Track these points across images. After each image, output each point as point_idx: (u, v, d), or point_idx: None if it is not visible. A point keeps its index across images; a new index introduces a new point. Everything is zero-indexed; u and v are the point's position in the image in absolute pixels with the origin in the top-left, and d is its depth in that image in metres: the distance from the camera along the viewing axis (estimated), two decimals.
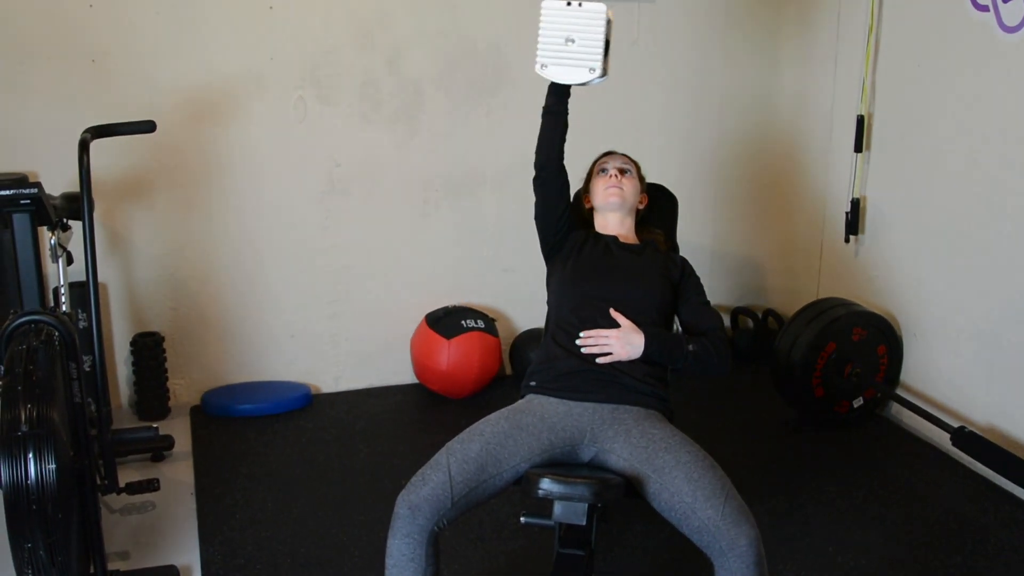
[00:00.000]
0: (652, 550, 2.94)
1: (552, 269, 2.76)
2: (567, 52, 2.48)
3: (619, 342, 2.47)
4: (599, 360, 2.47)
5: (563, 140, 2.70)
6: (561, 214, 2.75)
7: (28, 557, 2.14)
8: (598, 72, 2.49)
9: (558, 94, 2.64)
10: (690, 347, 2.50)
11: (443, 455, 2.28)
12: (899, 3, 3.76)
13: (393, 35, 3.91)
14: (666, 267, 2.68)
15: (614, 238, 2.76)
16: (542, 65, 2.51)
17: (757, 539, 2.14)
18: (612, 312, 2.53)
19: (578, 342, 2.50)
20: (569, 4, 2.47)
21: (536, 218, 2.78)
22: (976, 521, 3.13)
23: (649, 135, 4.28)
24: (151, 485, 3.05)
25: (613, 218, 2.78)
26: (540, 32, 2.49)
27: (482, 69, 4.05)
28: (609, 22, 2.53)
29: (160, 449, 3.52)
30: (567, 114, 2.68)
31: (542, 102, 4.08)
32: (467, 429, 2.36)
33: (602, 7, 2.47)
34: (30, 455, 2.11)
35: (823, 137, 4.27)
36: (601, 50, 2.47)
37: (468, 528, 3.02)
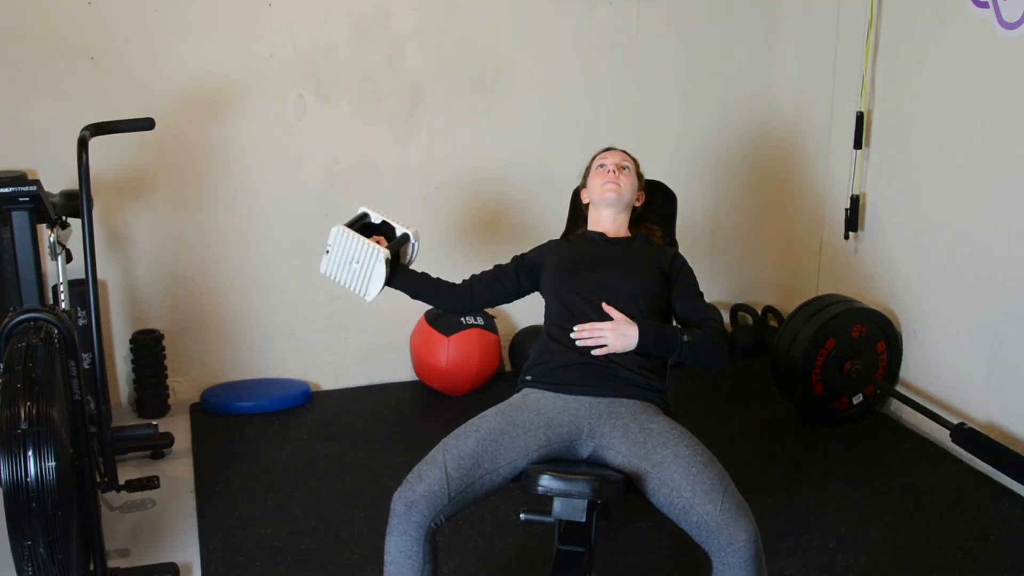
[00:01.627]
0: (652, 546, 2.94)
1: (541, 279, 2.76)
2: (361, 271, 2.68)
3: (614, 334, 2.47)
4: (594, 352, 2.47)
5: (445, 290, 2.80)
6: (511, 287, 2.80)
7: (28, 555, 2.14)
8: (384, 254, 2.64)
9: (400, 284, 2.76)
10: (685, 338, 2.50)
11: (439, 451, 2.28)
12: None
13: (392, 33, 3.91)
14: (655, 258, 2.68)
15: (601, 234, 2.76)
16: (364, 294, 2.70)
17: (755, 534, 2.14)
18: (604, 306, 2.53)
19: (572, 335, 2.50)
20: (327, 252, 2.72)
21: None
22: (976, 517, 3.13)
23: (648, 131, 4.28)
24: (151, 482, 3.05)
25: (607, 214, 2.79)
26: (343, 284, 2.72)
27: (481, 67, 4.05)
28: (359, 217, 2.78)
29: (160, 446, 3.52)
30: (425, 281, 2.79)
31: (541, 99, 4.13)
32: (463, 425, 2.36)
33: (333, 230, 2.69)
34: (30, 453, 2.11)
35: (822, 134, 4.27)
36: (369, 247, 2.65)
37: (468, 525, 3.02)
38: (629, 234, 2.81)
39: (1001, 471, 3.25)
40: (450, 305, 2.82)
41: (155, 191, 3.80)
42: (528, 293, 2.82)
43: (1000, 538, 3.01)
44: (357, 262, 2.67)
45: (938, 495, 3.28)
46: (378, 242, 2.70)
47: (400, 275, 2.73)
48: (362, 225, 2.78)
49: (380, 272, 2.65)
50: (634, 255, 2.68)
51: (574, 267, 2.65)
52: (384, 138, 4.00)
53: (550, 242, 2.86)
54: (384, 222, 2.80)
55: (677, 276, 2.68)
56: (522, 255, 2.83)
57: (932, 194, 3.65)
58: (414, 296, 2.78)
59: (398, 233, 2.78)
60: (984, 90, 3.37)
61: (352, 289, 2.71)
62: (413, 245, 2.80)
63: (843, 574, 2.81)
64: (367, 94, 3.94)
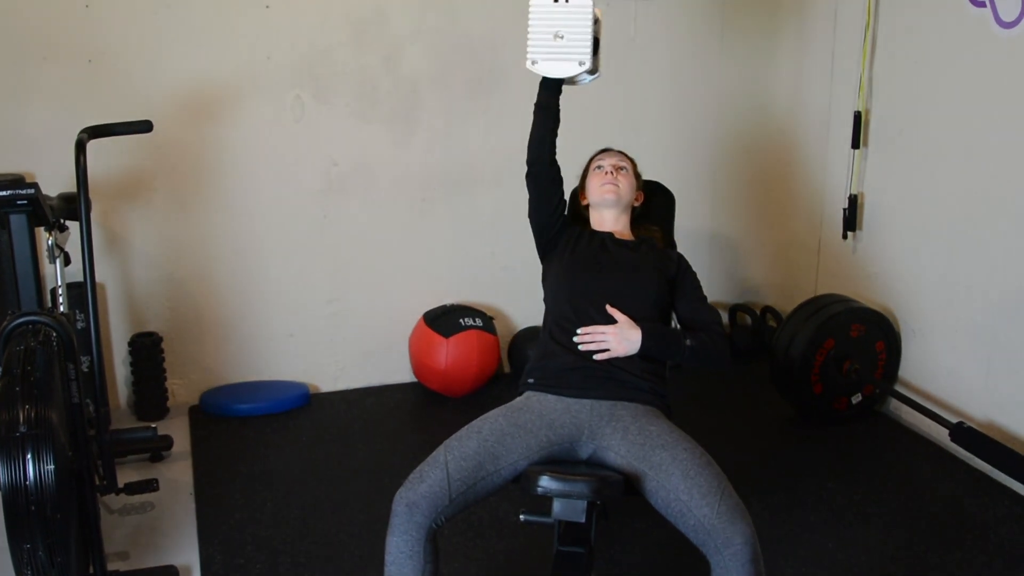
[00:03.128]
0: (651, 547, 2.94)
1: (547, 266, 2.76)
2: (556, 47, 2.51)
3: (616, 338, 2.47)
4: (596, 356, 2.47)
5: (555, 136, 2.71)
6: (554, 209, 2.75)
7: (27, 558, 2.14)
8: (587, 65, 2.52)
9: (549, 89, 2.66)
10: (688, 342, 2.50)
11: (441, 452, 2.28)
12: None
13: (390, 34, 3.91)
14: (662, 263, 2.68)
15: (609, 235, 2.76)
16: (532, 61, 2.55)
17: (752, 537, 2.14)
18: (608, 308, 2.53)
19: (575, 339, 2.50)
20: (556, 0, 2.51)
21: (530, 215, 2.78)
22: (975, 517, 3.14)
23: (646, 132, 4.28)
24: (150, 485, 3.05)
25: (608, 215, 2.78)
26: (529, 28, 2.54)
27: (479, 67, 4.05)
28: (597, 20, 2.57)
29: (159, 449, 3.52)
30: (558, 110, 2.69)
31: None
32: (465, 427, 2.36)
33: (588, 3, 2.51)
34: (29, 456, 2.11)
35: (820, 133, 4.27)
36: (590, 43, 2.51)
37: (468, 526, 3.02)
38: (633, 236, 2.81)
39: (1000, 470, 3.25)
40: (540, 145, 2.70)
41: (153, 194, 3.80)
42: (547, 233, 2.76)
43: (999, 537, 3.01)
44: (563, 39, 2.50)
45: (937, 494, 3.29)
46: None
47: (556, 85, 2.63)
48: None
49: (568, 70, 2.51)
50: (641, 259, 2.68)
51: (581, 269, 2.65)
52: (382, 139, 4.00)
53: (572, 229, 2.81)
54: (597, 41, 2.59)
55: (681, 279, 2.69)
56: (567, 215, 2.80)
57: (930, 193, 3.66)
58: (539, 106, 2.67)
59: (595, 62, 2.59)
60: (982, 89, 3.37)
61: (530, 45, 2.53)
62: (589, 80, 2.63)
63: (842, 574, 2.81)
64: (365, 95, 3.94)
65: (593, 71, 2.58)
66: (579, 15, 2.50)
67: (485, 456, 2.27)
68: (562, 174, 2.76)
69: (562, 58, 2.52)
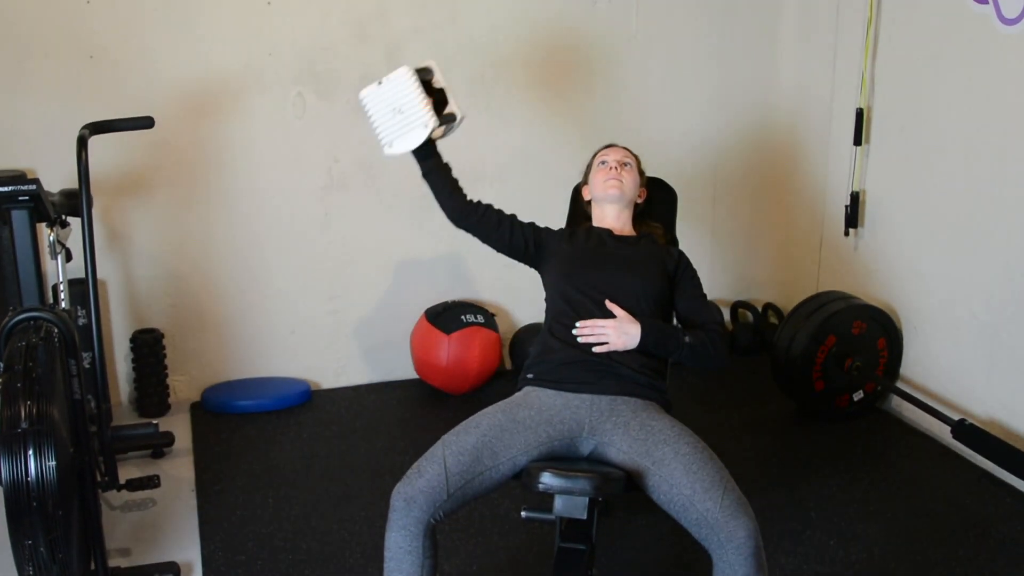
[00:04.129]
0: (653, 544, 2.94)
1: (544, 269, 2.75)
2: (400, 122, 2.58)
3: (615, 331, 2.47)
4: (596, 349, 2.47)
5: (458, 190, 2.73)
6: (512, 239, 2.74)
7: (29, 554, 2.14)
8: (431, 124, 2.55)
9: (423, 158, 2.68)
10: (687, 339, 2.50)
11: (439, 447, 2.28)
12: None
13: (391, 29, 3.90)
14: (661, 258, 2.68)
15: (608, 231, 2.76)
16: (389, 145, 2.60)
17: (755, 531, 2.14)
18: (607, 303, 2.53)
19: (574, 331, 2.50)
20: (380, 83, 2.57)
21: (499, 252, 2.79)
22: (977, 514, 3.13)
23: (648, 129, 4.27)
24: (151, 482, 3.05)
25: (611, 210, 2.78)
26: (370, 120, 2.60)
27: (481, 63, 4.05)
28: (430, 70, 2.63)
29: (160, 446, 3.52)
30: (445, 167, 2.72)
31: (540, 97, 4.12)
32: (464, 422, 2.36)
33: (402, 69, 2.57)
34: (30, 452, 2.11)
35: (822, 130, 4.27)
36: (424, 106, 2.56)
37: (469, 522, 3.02)
38: (634, 232, 2.80)
39: (1002, 467, 3.25)
40: (450, 205, 2.73)
41: (155, 190, 3.80)
42: (522, 259, 2.78)
43: (1001, 534, 3.01)
44: (402, 113, 2.56)
45: (939, 491, 3.28)
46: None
47: (425, 149, 2.66)
48: (422, 80, 2.63)
49: (417, 138, 2.56)
50: (640, 254, 2.68)
51: (580, 264, 2.65)
52: None
53: (562, 230, 2.83)
54: (442, 90, 2.67)
55: (681, 276, 2.68)
56: (539, 227, 2.79)
57: (932, 190, 3.65)
58: (425, 174, 2.71)
59: (447, 110, 2.66)
60: (984, 86, 3.37)
61: (378, 134, 2.60)
62: (453, 128, 2.69)
63: (844, 571, 2.81)
64: None
65: (451, 119, 2.63)
66: (402, 85, 2.55)
67: (483, 451, 2.27)
68: (488, 203, 2.76)
69: (409, 130, 2.57)
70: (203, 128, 3.79)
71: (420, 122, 2.54)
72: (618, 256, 2.67)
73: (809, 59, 4.32)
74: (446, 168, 2.72)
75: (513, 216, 2.77)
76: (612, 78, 4.23)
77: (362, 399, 4.07)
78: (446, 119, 2.64)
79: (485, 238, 2.76)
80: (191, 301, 3.94)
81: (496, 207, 2.77)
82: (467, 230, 2.74)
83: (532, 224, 2.79)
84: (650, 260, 2.66)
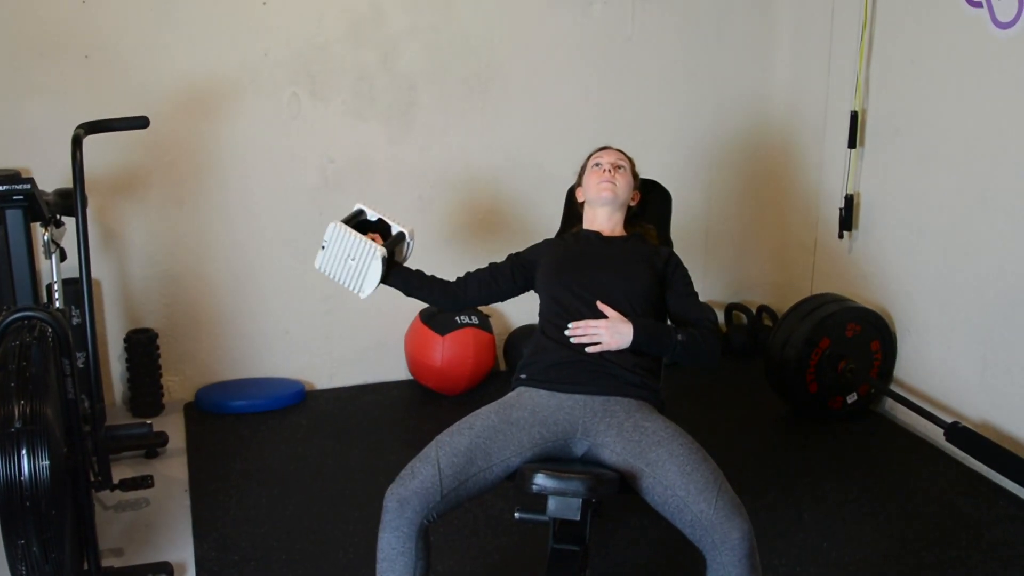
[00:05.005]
0: (647, 545, 2.94)
1: (536, 277, 2.76)
2: (356, 268, 2.70)
3: (607, 331, 2.47)
4: (588, 349, 2.47)
5: (442, 287, 2.82)
6: (506, 286, 2.81)
7: (22, 554, 2.14)
8: (380, 253, 2.66)
9: (395, 282, 2.77)
10: (679, 337, 2.50)
11: (432, 448, 2.28)
12: None
13: (387, 31, 3.91)
14: (651, 258, 2.68)
15: (597, 233, 2.76)
16: (361, 293, 2.72)
17: (749, 533, 2.15)
18: (599, 304, 2.53)
19: (567, 332, 2.50)
20: (323, 247, 2.72)
21: None
22: (970, 516, 3.14)
23: (643, 131, 4.28)
24: (145, 482, 3.05)
25: (603, 212, 2.79)
26: (338, 280, 2.73)
27: (476, 65, 4.05)
28: (353, 215, 2.79)
29: (154, 446, 3.51)
30: (420, 278, 2.80)
31: (536, 98, 4.13)
32: (457, 423, 2.36)
33: (330, 226, 2.70)
34: (23, 451, 2.11)
35: (816, 133, 4.28)
36: (368, 248, 2.66)
37: (462, 524, 3.02)
38: (624, 233, 2.81)
39: (995, 470, 3.25)
40: (444, 303, 2.83)
41: (149, 190, 3.80)
42: (523, 292, 2.82)
43: (994, 537, 3.02)
44: (353, 259, 2.68)
45: (932, 494, 3.29)
46: (374, 240, 2.72)
47: (395, 273, 2.74)
48: (358, 222, 2.79)
49: (376, 270, 2.67)
50: (629, 254, 2.68)
51: (569, 266, 2.66)
52: (379, 137, 4.00)
53: (545, 241, 2.86)
54: (380, 220, 2.82)
55: (672, 275, 2.68)
56: (517, 254, 2.84)
57: (926, 193, 3.66)
58: (407, 293, 2.79)
59: (394, 231, 2.80)
60: (978, 89, 3.38)
61: (347, 286, 2.72)
62: (408, 244, 2.82)
63: (837, 572, 2.81)
64: (361, 93, 3.93)
65: (400, 238, 2.78)
66: (340, 238, 2.69)
67: (477, 452, 2.27)
68: (468, 273, 2.85)
69: (367, 269, 2.68)
70: (198, 128, 3.79)
71: (371, 258, 2.66)
72: (607, 257, 2.67)
73: (804, 62, 4.33)
74: (420, 277, 2.81)
75: (492, 267, 2.84)
76: (607, 80, 4.24)
77: (356, 400, 4.07)
78: (396, 241, 2.77)
79: (488, 303, 2.88)
80: (185, 301, 3.94)
81: (475, 272, 2.85)
82: (472, 308, 2.84)
83: (511, 258, 2.84)
84: (639, 259, 2.66)
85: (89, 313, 2.90)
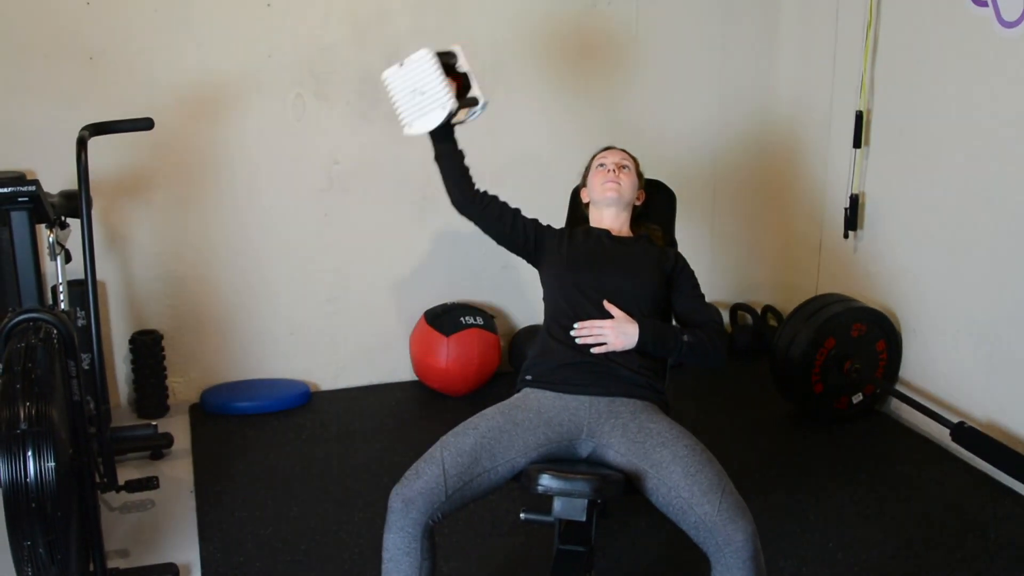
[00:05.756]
0: (652, 546, 2.94)
1: (543, 268, 2.75)
2: (420, 103, 2.58)
3: (613, 332, 2.47)
4: (594, 350, 2.47)
5: (467, 177, 2.73)
6: (511, 233, 2.75)
7: (27, 555, 2.14)
8: (450, 107, 2.56)
9: (438, 139, 2.68)
10: (685, 338, 2.50)
11: (437, 449, 2.28)
12: None
13: (391, 32, 3.91)
14: (659, 259, 2.68)
15: (606, 231, 2.76)
16: (408, 125, 2.61)
17: (754, 534, 2.14)
18: (605, 304, 2.53)
19: (573, 332, 2.50)
20: (401, 65, 2.57)
21: (499, 244, 2.80)
22: (976, 516, 3.13)
23: (647, 131, 4.27)
24: (150, 483, 3.05)
25: (608, 213, 2.78)
26: (392, 100, 2.61)
27: (480, 65, 4.01)
28: (453, 54, 2.64)
29: (159, 447, 3.52)
30: (458, 152, 2.71)
31: (540, 99, 4.12)
32: (462, 424, 2.36)
33: (422, 52, 2.56)
34: (29, 453, 2.11)
35: (822, 133, 4.27)
36: (445, 88, 2.56)
37: (468, 524, 3.02)
38: (632, 233, 2.80)
39: (1001, 470, 3.25)
40: (457, 191, 2.74)
41: (154, 191, 3.80)
42: (521, 254, 2.79)
43: (1000, 537, 3.01)
44: (423, 93, 2.56)
45: (938, 494, 3.28)
46: (452, 86, 2.61)
47: (443, 131, 2.66)
48: (446, 64, 2.64)
49: (436, 118, 2.57)
50: (638, 255, 2.68)
51: (577, 265, 2.65)
52: (384, 138, 4.00)
53: (562, 230, 2.83)
54: (466, 75, 2.68)
55: (679, 277, 2.68)
56: (541, 225, 2.80)
57: (931, 193, 3.65)
58: (437, 156, 2.72)
59: (471, 93, 2.67)
60: (983, 89, 3.37)
61: (399, 113, 2.61)
62: (476, 113, 2.70)
63: (842, 573, 2.81)
64: (366, 94, 3.93)
65: (473, 103, 2.65)
66: (423, 67, 2.56)
67: (482, 453, 2.27)
68: (494, 194, 2.77)
69: (428, 111, 2.57)
70: (203, 129, 3.79)
71: (439, 104, 2.56)
72: (616, 257, 2.67)
73: (809, 61, 4.32)
74: (459, 154, 2.72)
75: (517, 211, 2.78)
76: (612, 80, 4.23)
77: (361, 401, 4.07)
78: (468, 103, 2.65)
79: (486, 228, 2.77)
80: (190, 302, 3.94)
81: (502, 200, 2.77)
82: (469, 218, 2.75)
83: (535, 221, 2.79)
84: (647, 261, 2.66)
85: (94, 315, 2.90)
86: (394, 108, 2.62)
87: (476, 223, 2.77)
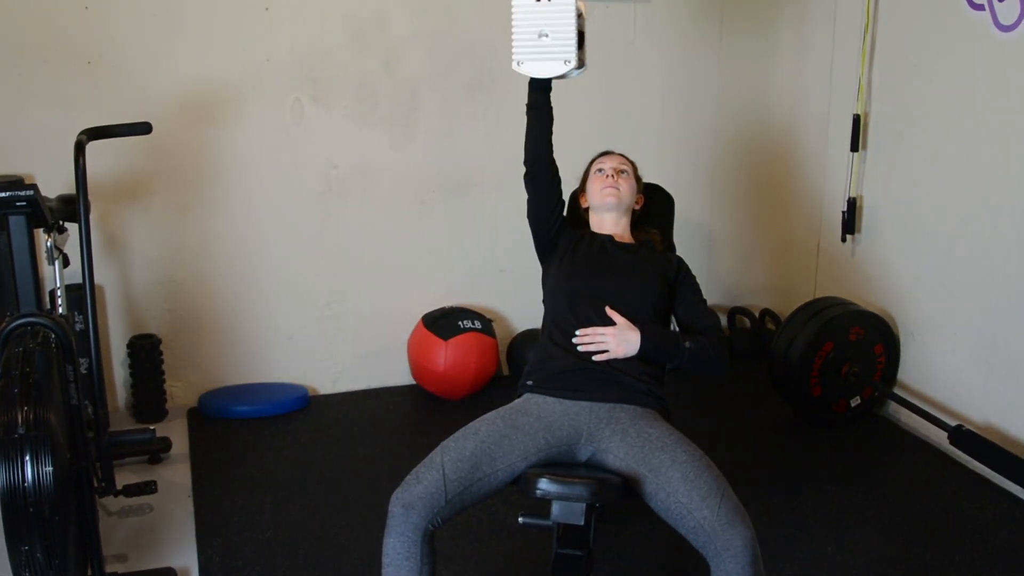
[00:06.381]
0: (650, 550, 2.94)
1: (547, 268, 2.76)
2: (541, 46, 2.50)
3: (615, 339, 2.47)
4: (595, 358, 2.47)
5: (550, 133, 2.70)
6: (553, 210, 2.74)
7: (25, 560, 2.14)
8: (573, 63, 2.51)
9: (538, 89, 2.66)
10: (687, 345, 2.50)
11: (437, 453, 2.28)
12: (895, 1, 3.76)
13: (389, 36, 3.91)
14: (661, 266, 2.68)
15: (609, 237, 2.76)
16: (518, 62, 2.54)
17: (752, 539, 2.14)
18: (608, 310, 2.53)
19: (574, 340, 2.50)
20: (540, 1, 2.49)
21: (529, 216, 2.77)
22: (974, 519, 3.14)
23: (645, 135, 4.28)
24: (148, 487, 3.05)
25: (609, 218, 2.78)
26: (513, 29, 2.52)
27: (478, 70, 4.05)
28: (580, 14, 2.54)
29: (157, 451, 3.51)
30: (551, 108, 2.69)
31: None
32: (462, 428, 2.36)
33: (571, 0, 2.49)
34: (27, 457, 2.11)
35: (819, 136, 4.28)
36: (574, 41, 2.50)
37: (466, 528, 3.02)
38: (633, 239, 2.80)
39: (999, 473, 3.25)
40: (535, 146, 2.71)
41: (152, 195, 3.80)
42: (543, 235, 2.75)
43: (998, 540, 3.01)
44: (548, 37, 2.49)
45: (936, 497, 3.28)
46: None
47: (546, 82, 2.63)
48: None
49: (554, 69, 2.51)
50: (640, 262, 2.68)
51: (581, 270, 2.65)
52: (382, 142, 4.00)
53: (573, 233, 2.80)
54: (582, 34, 2.57)
55: (681, 283, 2.69)
56: (566, 219, 2.79)
57: (929, 196, 3.66)
58: (532, 106, 2.68)
59: (580, 55, 2.56)
60: (981, 92, 3.38)
61: (515, 46, 2.52)
62: (577, 72, 2.61)
63: None
64: (364, 98, 3.94)
65: (580, 66, 2.57)
66: (562, 13, 2.47)
67: (482, 457, 2.27)
68: (560, 175, 2.75)
69: (548, 58, 2.51)
70: (201, 134, 3.79)
71: (562, 56, 2.49)
72: (619, 263, 2.67)
73: (806, 65, 4.33)
74: (550, 110, 2.68)
75: (560, 189, 2.76)
76: (610, 85, 4.24)
77: (359, 405, 4.07)
78: (579, 62, 2.57)
79: (538, 194, 2.74)
80: (188, 307, 3.94)
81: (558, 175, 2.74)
82: (532, 177, 2.71)
83: (561, 204, 2.79)
84: (650, 267, 2.66)
85: (92, 319, 2.90)
86: (512, 35, 2.51)
87: (535, 185, 2.73)
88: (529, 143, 2.71)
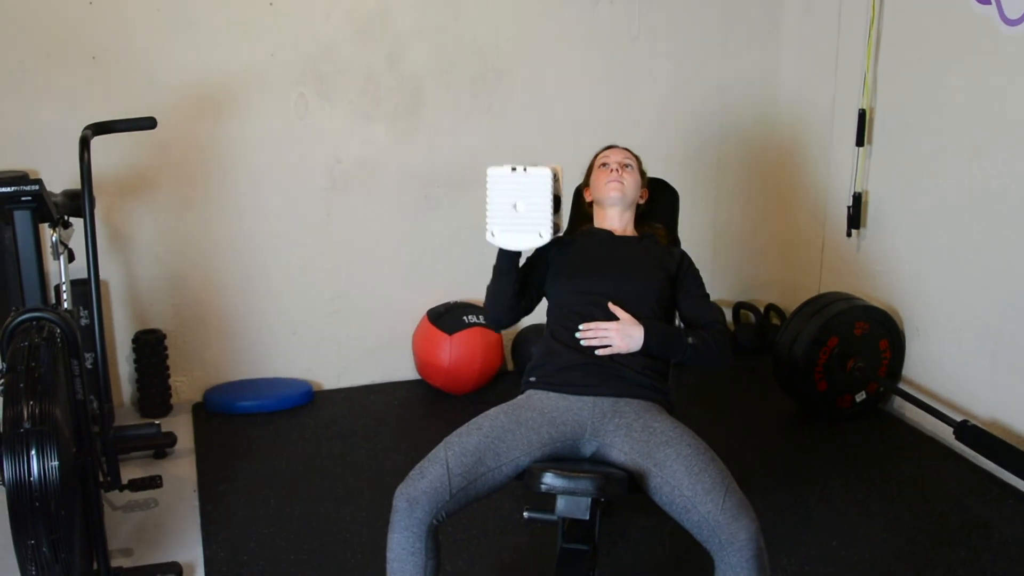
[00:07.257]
0: (655, 544, 2.94)
1: (547, 277, 2.73)
2: (515, 218, 2.45)
3: (618, 334, 2.46)
4: (598, 352, 2.47)
5: (514, 296, 2.62)
6: (537, 295, 2.71)
7: (31, 554, 2.14)
8: (547, 237, 2.46)
9: (508, 257, 2.58)
10: (690, 340, 2.49)
11: (441, 449, 2.28)
12: None
13: (394, 31, 3.91)
14: (663, 259, 2.67)
15: (609, 232, 2.75)
16: (491, 233, 2.48)
17: (757, 533, 2.14)
18: (610, 306, 2.53)
19: (577, 335, 2.50)
20: (514, 170, 2.45)
21: None
22: (979, 515, 3.13)
23: (650, 129, 4.27)
24: (154, 482, 3.06)
25: (612, 212, 2.78)
26: (488, 200, 2.47)
27: (483, 65, 4.05)
28: (557, 178, 2.50)
29: (162, 446, 3.52)
30: (518, 273, 2.62)
31: (542, 98, 4.12)
32: (466, 423, 2.36)
33: (546, 171, 2.44)
34: (33, 452, 2.12)
35: (824, 131, 4.27)
36: (550, 213, 2.45)
37: (471, 523, 3.02)
38: (636, 233, 2.80)
39: (1004, 468, 3.24)
40: (500, 311, 2.66)
41: (157, 190, 3.80)
42: (541, 292, 2.73)
43: (1003, 535, 3.01)
44: (523, 210, 2.43)
45: (941, 492, 3.28)
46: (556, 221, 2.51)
47: (518, 254, 2.59)
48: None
49: (527, 242, 2.45)
50: (642, 256, 2.67)
51: (582, 267, 2.64)
52: (386, 137, 4.00)
53: (557, 239, 2.81)
54: (558, 199, 2.51)
55: (684, 277, 2.68)
56: (529, 260, 2.74)
57: (934, 191, 3.65)
58: (499, 272, 2.60)
59: (555, 220, 2.51)
60: (986, 87, 3.37)
61: (489, 217, 2.45)
62: (550, 238, 2.53)
63: (846, 571, 2.81)
64: (369, 93, 3.94)
65: (556, 232, 2.52)
66: (538, 185, 2.43)
67: (486, 452, 2.27)
68: (532, 290, 2.70)
69: (522, 230, 2.45)
70: (205, 129, 3.80)
71: (536, 229, 2.44)
72: (620, 258, 2.66)
73: (811, 60, 4.32)
74: (517, 275, 2.62)
75: (528, 273, 2.70)
76: (614, 79, 4.23)
77: (364, 400, 4.07)
78: (554, 229, 2.50)
79: (529, 310, 2.74)
80: (193, 302, 3.94)
81: (519, 286, 2.67)
82: (504, 326, 2.73)
83: (529, 262, 2.73)
84: (652, 261, 2.66)
85: (97, 314, 2.90)
86: (486, 204, 2.47)
87: (512, 323, 2.73)
88: (494, 306, 2.64)
